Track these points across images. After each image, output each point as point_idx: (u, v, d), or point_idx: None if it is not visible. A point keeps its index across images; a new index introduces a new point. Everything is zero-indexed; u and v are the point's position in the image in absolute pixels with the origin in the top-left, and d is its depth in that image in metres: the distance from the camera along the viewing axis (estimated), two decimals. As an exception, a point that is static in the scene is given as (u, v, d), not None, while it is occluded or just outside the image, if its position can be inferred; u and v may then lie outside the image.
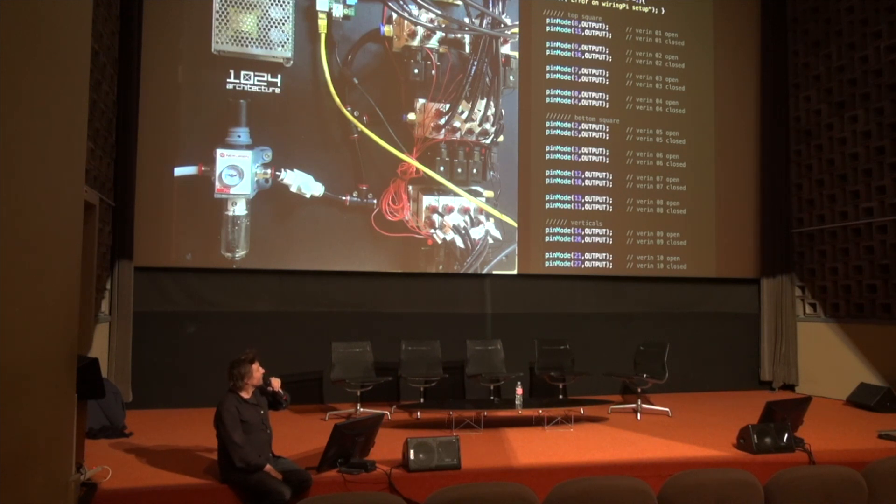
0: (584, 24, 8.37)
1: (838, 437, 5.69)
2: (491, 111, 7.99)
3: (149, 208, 7.00)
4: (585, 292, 8.26)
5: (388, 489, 4.23)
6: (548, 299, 8.14)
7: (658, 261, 8.37)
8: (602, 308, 8.29)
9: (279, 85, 7.45)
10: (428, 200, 7.77)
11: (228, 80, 7.32)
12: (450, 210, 7.81)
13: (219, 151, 7.26)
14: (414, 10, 7.84)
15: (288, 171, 7.40)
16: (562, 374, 7.15)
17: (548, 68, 8.22)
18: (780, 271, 8.60)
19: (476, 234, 7.86)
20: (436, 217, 7.78)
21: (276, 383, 4.47)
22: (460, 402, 6.97)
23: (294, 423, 6.17)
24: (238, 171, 7.29)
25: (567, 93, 8.27)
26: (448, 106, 7.87)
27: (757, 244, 8.73)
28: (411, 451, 4.47)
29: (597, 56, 8.37)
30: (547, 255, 8.06)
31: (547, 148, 8.15)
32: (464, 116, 7.91)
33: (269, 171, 7.37)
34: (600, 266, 8.22)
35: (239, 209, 7.29)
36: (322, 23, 7.57)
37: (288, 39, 7.50)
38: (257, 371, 4.29)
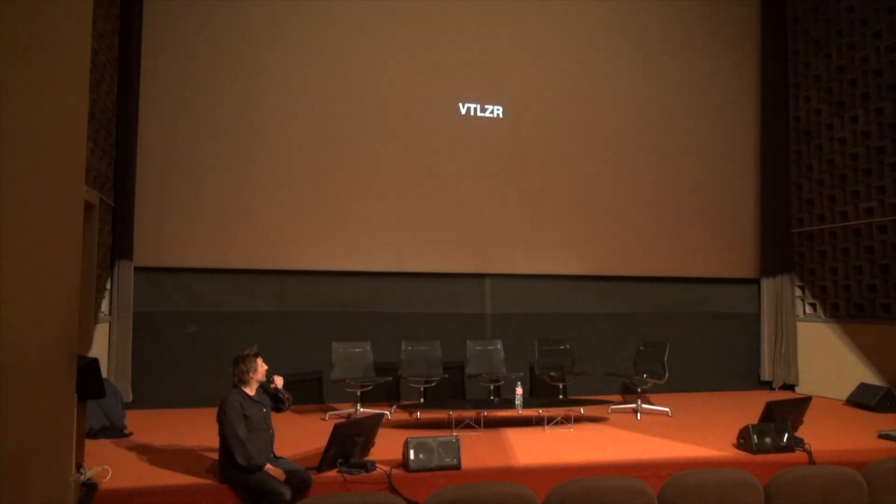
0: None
1: (838, 437, 5.69)
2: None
3: (149, 208, 7.01)
4: (585, 292, 8.26)
5: (388, 489, 4.23)
6: (548, 299, 8.13)
7: (658, 261, 8.36)
8: (602, 308, 8.29)
9: (279, 85, 7.48)
10: (428, 200, 7.79)
11: (228, 80, 7.34)
12: (450, 210, 7.83)
13: (219, 151, 7.28)
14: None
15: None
16: (562, 374, 7.15)
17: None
18: (780, 271, 8.60)
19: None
20: (436, 217, 7.79)
21: (278, 381, 4.48)
22: (460, 402, 6.98)
23: (294, 423, 6.17)
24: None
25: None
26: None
27: (757, 244, 8.73)
28: (411, 451, 4.47)
29: (596, 55, 8.36)
30: (547, 256, 8.05)
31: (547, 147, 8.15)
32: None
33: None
34: (600, 266, 8.21)
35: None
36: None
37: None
38: (261, 366, 4.31)
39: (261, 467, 4.06)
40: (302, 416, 6.52)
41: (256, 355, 4.32)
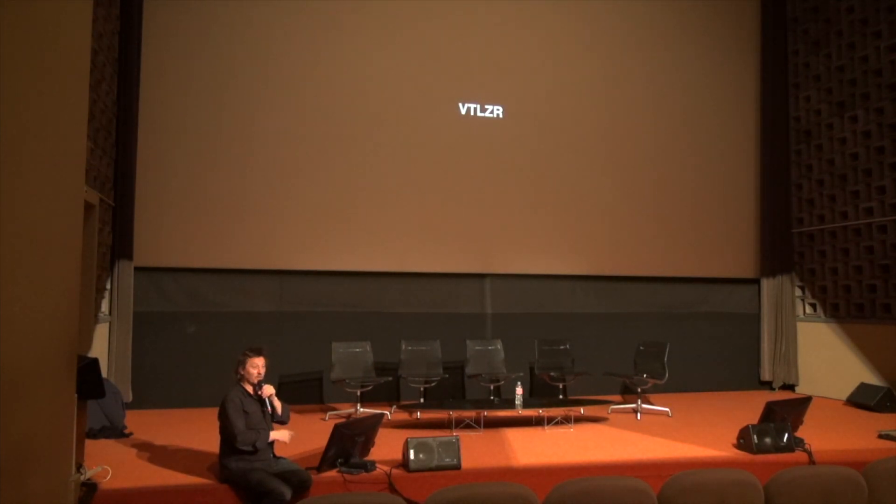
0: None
1: (838, 437, 5.69)
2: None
3: (149, 208, 7.01)
4: (585, 292, 8.26)
5: (388, 489, 4.23)
6: (548, 299, 8.13)
7: (658, 261, 8.36)
8: (602, 308, 8.29)
9: (279, 85, 7.47)
10: (428, 200, 7.78)
11: (228, 80, 7.33)
12: (450, 210, 7.82)
13: (219, 151, 7.27)
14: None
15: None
16: (562, 374, 7.15)
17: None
18: (780, 271, 8.60)
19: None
20: (436, 217, 7.78)
21: (266, 390, 4.31)
22: (460, 402, 6.97)
23: (294, 423, 6.14)
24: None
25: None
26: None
27: (757, 244, 8.73)
28: (411, 451, 4.47)
29: (596, 55, 8.36)
30: (547, 256, 8.05)
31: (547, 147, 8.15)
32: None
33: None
34: (600, 266, 8.21)
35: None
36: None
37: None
38: (252, 367, 4.27)
39: (266, 441, 4.15)
40: (302, 416, 6.51)
41: (255, 353, 4.31)
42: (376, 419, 4.85)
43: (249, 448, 4.09)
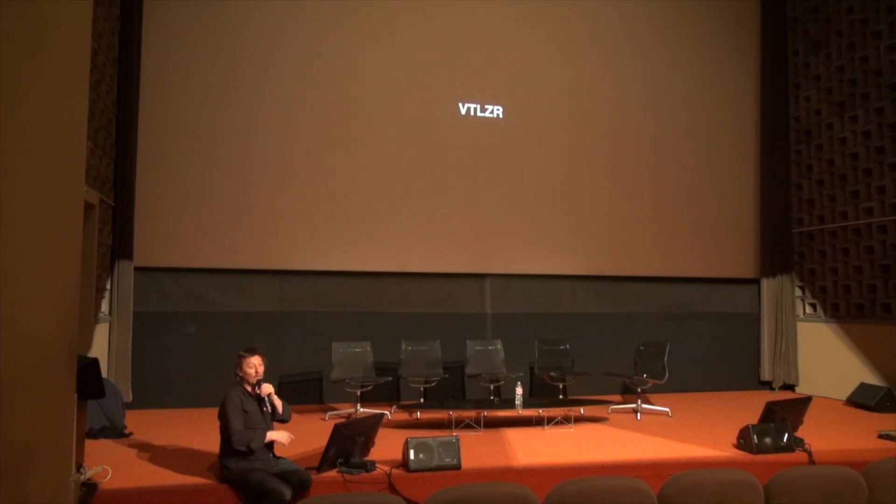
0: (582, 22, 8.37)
1: (838, 437, 5.69)
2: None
3: (149, 208, 7.01)
4: (585, 292, 8.26)
5: (388, 489, 4.23)
6: (548, 299, 8.13)
7: (658, 261, 8.36)
8: (602, 308, 8.29)
9: (279, 85, 7.46)
10: (428, 200, 7.78)
11: (228, 80, 7.33)
12: (450, 210, 7.81)
13: (219, 151, 7.26)
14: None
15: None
16: (562, 374, 7.16)
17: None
18: (780, 271, 8.60)
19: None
20: (436, 217, 7.78)
21: (264, 389, 4.30)
22: (460, 402, 6.98)
23: (294, 423, 6.14)
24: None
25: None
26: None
27: (757, 244, 8.73)
28: (411, 451, 4.47)
29: (596, 55, 8.36)
30: (547, 255, 8.05)
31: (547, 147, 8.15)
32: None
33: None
34: (600, 266, 8.21)
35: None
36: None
37: (288, 39, 7.52)
38: (248, 366, 4.27)
39: (261, 442, 4.12)
40: (302, 416, 6.51)
41: (250, 353, 4.31)
42: (376, 419, 4.85)
43: (244, 448, 4.07)
